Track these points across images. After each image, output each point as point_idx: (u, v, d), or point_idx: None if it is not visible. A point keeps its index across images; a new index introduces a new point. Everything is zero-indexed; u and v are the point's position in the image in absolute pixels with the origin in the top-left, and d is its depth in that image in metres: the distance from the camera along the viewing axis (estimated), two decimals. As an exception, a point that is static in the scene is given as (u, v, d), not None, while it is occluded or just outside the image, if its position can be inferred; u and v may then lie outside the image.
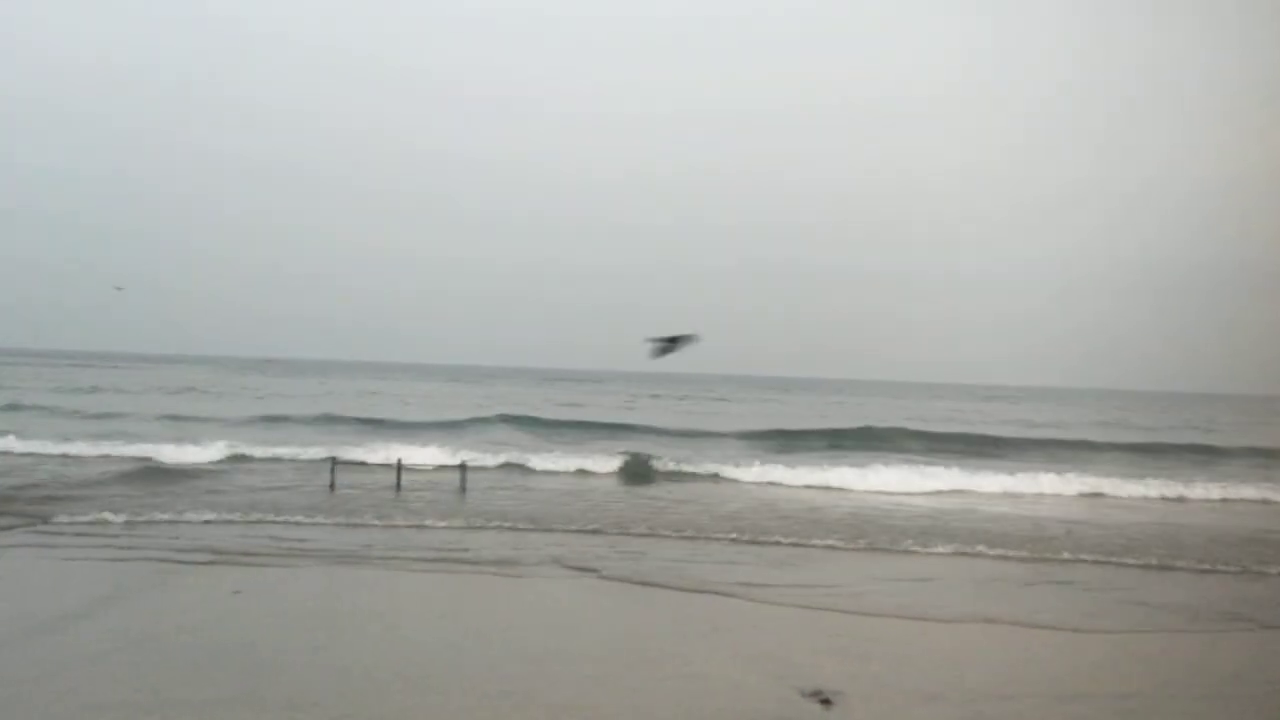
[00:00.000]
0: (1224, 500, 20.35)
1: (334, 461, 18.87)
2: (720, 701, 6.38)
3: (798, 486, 20.29)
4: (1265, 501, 20.18)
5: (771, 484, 20.67)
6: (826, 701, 6.34)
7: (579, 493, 18.31)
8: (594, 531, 13.78)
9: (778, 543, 13.39)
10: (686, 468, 21.98)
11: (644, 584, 10.31)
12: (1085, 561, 12.62)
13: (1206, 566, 12.52)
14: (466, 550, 12.03)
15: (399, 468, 18.70)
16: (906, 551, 13.08)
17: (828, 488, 20.16)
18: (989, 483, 20.70)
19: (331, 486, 17.68)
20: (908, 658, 7.62)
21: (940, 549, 13.18)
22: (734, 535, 13.82)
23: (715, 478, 21.35)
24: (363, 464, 20.07)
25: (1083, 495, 20.32)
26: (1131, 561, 12.68)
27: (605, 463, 22.17)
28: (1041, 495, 20.18)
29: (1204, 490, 20.79)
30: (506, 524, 14.21)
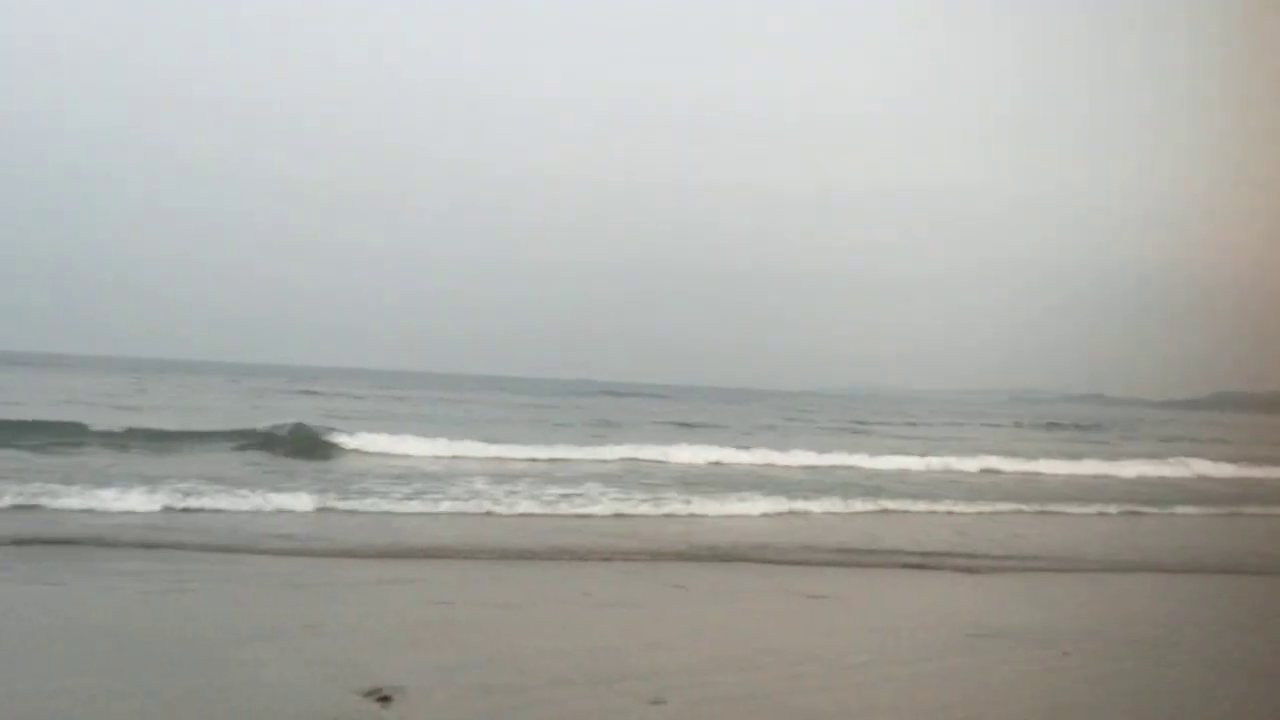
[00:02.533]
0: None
1: None
2: (265, 705, 5.92)
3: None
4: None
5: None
6: (385, 699, 6.11)
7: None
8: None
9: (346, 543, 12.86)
10: None
11: (191, 588, 9.37)
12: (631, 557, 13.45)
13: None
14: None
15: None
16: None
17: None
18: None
19: None
20: (472, 647, 7.58)
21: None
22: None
23: None
24: None
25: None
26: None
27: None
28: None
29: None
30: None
